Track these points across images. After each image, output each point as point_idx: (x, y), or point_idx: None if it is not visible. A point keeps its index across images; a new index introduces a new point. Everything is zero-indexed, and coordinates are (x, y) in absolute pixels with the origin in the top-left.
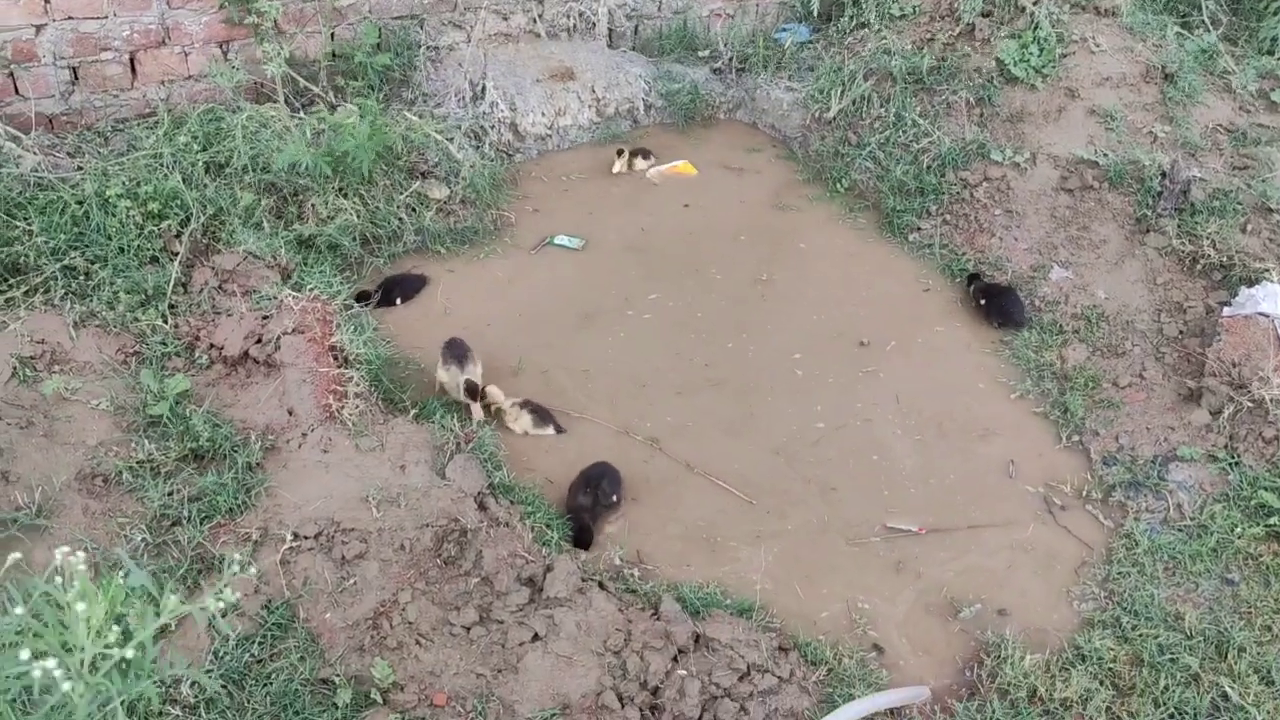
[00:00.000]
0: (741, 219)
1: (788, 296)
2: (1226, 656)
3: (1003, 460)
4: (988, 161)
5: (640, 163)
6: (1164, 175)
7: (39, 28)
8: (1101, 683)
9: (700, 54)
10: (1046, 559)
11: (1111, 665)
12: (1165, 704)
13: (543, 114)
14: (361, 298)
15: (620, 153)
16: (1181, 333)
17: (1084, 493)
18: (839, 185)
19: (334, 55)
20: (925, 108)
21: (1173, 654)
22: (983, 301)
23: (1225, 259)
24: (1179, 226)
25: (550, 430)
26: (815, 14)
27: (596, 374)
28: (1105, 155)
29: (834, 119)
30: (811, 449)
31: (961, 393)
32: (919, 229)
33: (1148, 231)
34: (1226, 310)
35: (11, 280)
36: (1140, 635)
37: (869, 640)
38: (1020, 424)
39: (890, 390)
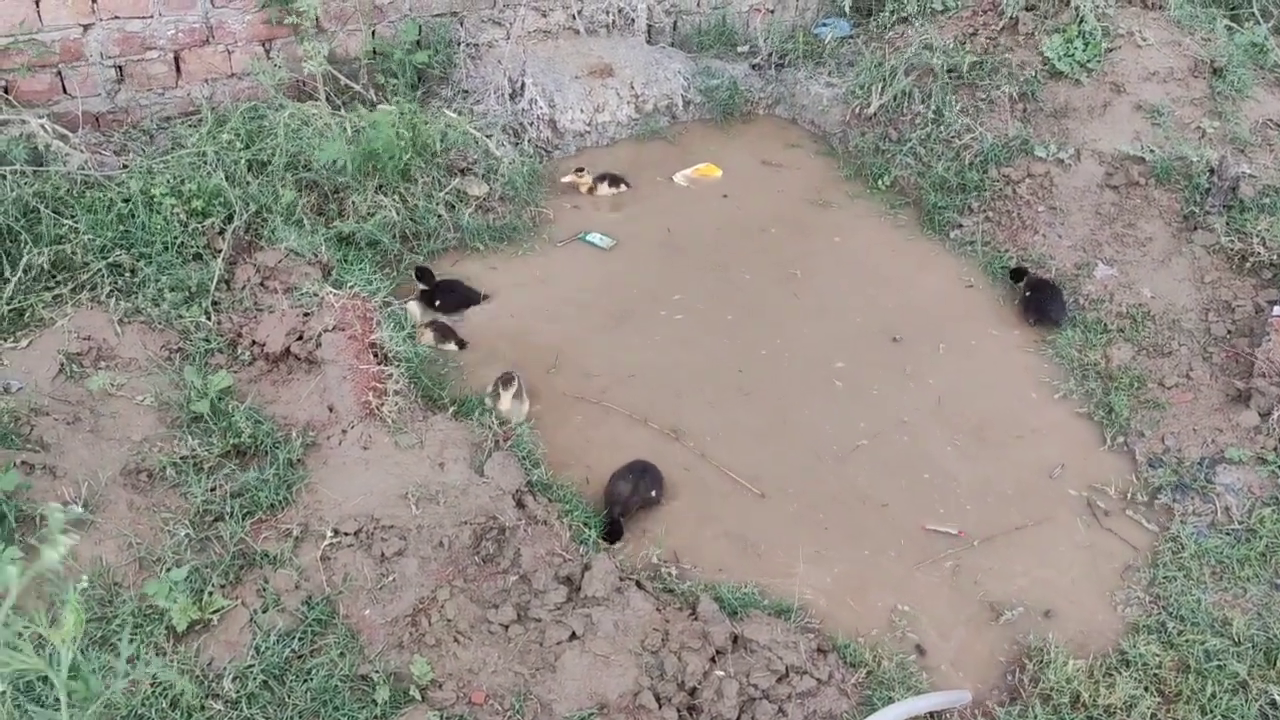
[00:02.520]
0: (779, 216)
1: (826, 296)
2: (1276, 663)
3: (1045, 462)
4: (1031, 157)
5: (605, 188)
6: (1212, 171)
7: (86, 27)
8: (1147, 689)
9: (739, 50)
10: (1090, 563)
11: (1157, 671)
12: (1212, 711)
13: (581, 110)
14: (422, 275)
15: (580, 171)
16: (1230, 332)
17: (1129, 495)
18: (879, 182)
19: (374, 53)
20: (967, 103)
21: (1220, 660)
22: (1029, 294)
23: (1275, 257)
24: (1227, 224)
25: (452, 346)
26: (855, 9)
27: (629, 375)
28: (1152, 151)
29: (874, 115)
30: (850, 452)
31: (1004, 393)
32: (961, 226)
33: (1195, 229)
34: (1276, 309)
35: (59, 277)
36: (1186, 641)
37: (909, 643)
38: (1064, 425)
39: (931, 392)
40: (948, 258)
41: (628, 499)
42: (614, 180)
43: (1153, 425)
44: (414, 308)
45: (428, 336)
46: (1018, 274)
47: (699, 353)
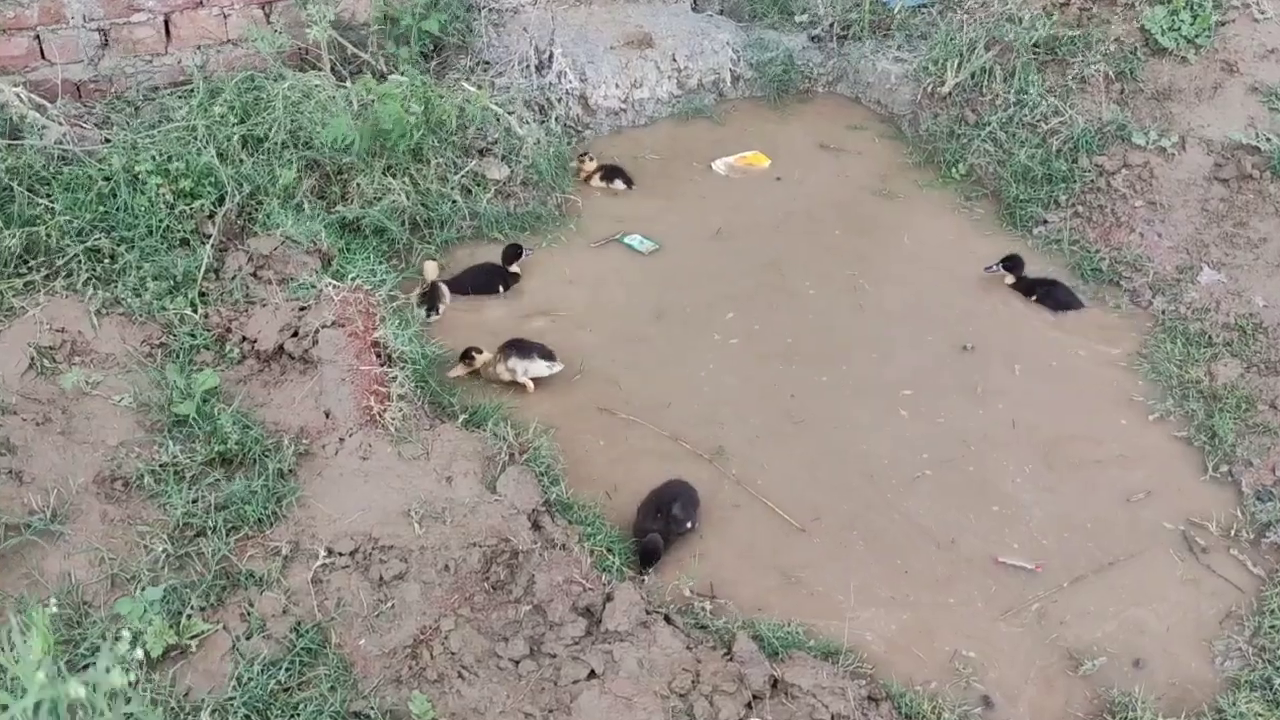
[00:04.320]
0: (840, 208)
1: (892, 308)
2: None
3: (1136, 492)
4: (1128, 145)
5: (598, 181)
6: None
7: None
8: None
9: (797, 19)
10: (1186, 607)
11: None
12: None
13: (616, 85)
14: (510, 255)
15: (585, 157)
16: None
17: (1232, 532)
18: (953, 170)
19: (385, 18)
20: (1055, 83)
21: None
22: (1032, 298)
23: None
24: None
25: (620, 185)
26: None
27: (664, 391)
28: (1268, 140)
29: (949, 94)
30: (911, 481)
31: (1089, 414)
32: (1046, 222)
33: None
34: None
35: (31, 262)
36: None
37: (975, 693)
38: (1159, 451)
39: (1004, 413)
40: (1030, 258)
41: (663, 536)
42: (613, 175)
43: (1262, 453)
44: (430, 266)
45: (595, 179)
46: (1011, 262)
47: (746, 371)
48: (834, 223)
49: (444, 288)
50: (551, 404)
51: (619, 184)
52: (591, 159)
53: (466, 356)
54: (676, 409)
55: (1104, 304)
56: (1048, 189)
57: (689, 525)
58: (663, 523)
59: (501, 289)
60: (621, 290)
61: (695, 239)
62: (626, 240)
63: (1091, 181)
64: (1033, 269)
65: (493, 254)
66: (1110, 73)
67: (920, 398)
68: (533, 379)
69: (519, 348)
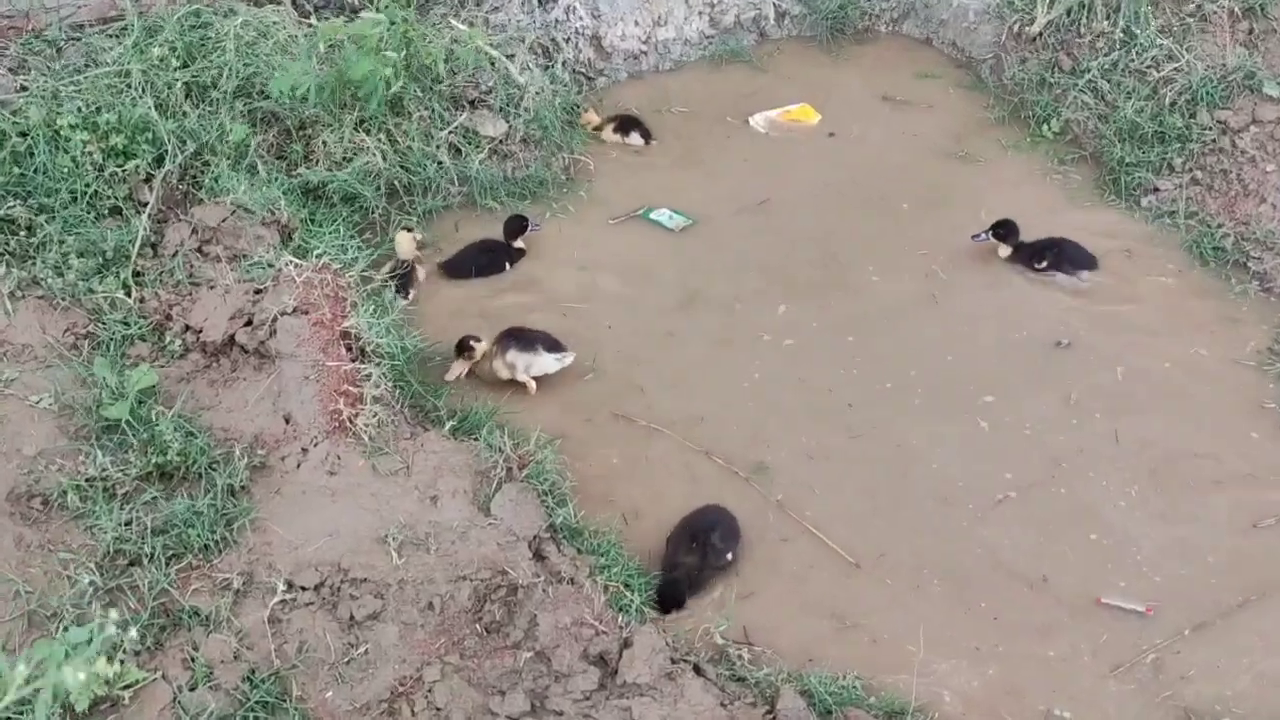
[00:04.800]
0: (907, 175)
1: (968, 293)
2: None
3: (1266, 517)
4: (1258, 97)
5: (611, 134)
6: None
7: None
8: None
9: None
10: None
11: None
12: None
13: (636, 24)
14: (514, 229)
15: (588, 111)
16: None
17: None
18: (1044, 128)
19: None
20: (1169, 20)
21: None
22: (1041, 265)
23: None
24: None
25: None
26: None
27: (695, 401)
28: None
29: (1040, 35)
30: (992, 507)
31: (1210, 424)
32: (1157, 190)
33: None
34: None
35: None
36: None
37: None
38: None
39: (1107, 421)
40: (1138, 233)
41: (699, 570)
42: (628, 127)
43: None
44: (405, 239)
45: (608, 131)
46: (1004, 229)
47: (794, 372)
48: (899, 193)
49: (419, 266)
50: (557, 408)
51: (635, 138)
52: (590, 109)
53: (464, 349)
54: (709, 417)
55: (1228, 289)
56: (1159, 150)
57: (729, 557)
58: (699, 554)
59: (508, 265)
60: (645, 274)
61: (731, 213)
62: (653, 215)
63: (1213, 141)
64: (1144, 252)
65: (486, 228)
66: (1236, 8)
67: (1003, 405)
68: (535, 377)
69: (519, 338)
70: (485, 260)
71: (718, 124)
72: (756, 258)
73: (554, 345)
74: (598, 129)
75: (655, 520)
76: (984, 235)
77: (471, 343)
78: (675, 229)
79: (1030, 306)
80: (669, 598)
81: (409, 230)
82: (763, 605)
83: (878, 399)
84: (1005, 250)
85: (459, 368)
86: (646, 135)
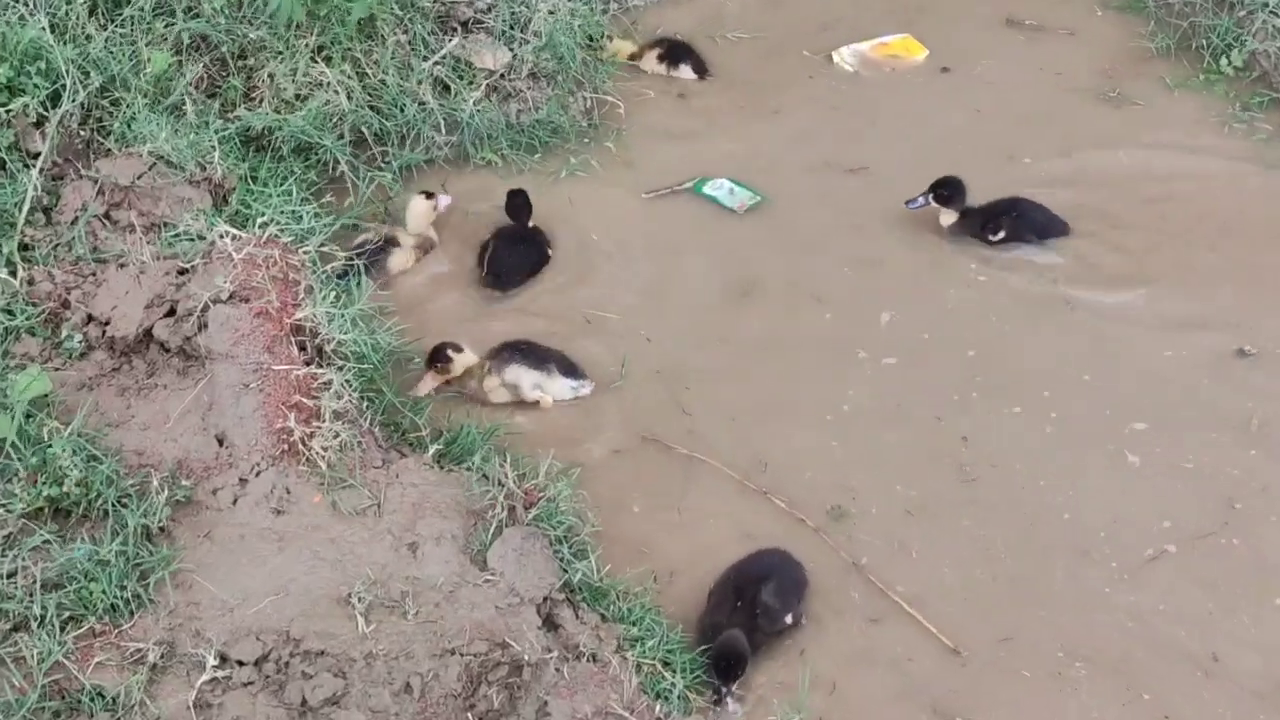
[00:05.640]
0: (1042, 124)
1: (1119, 287)
2: None
3: None
4: None
5: (655, 64)
6: None
7: None
8: None
9: None
10: None
11: None
12: None
13: None
14: (521, 205)
15: (612, 39)
16: None
17: None
18: (1224, 61)
19: None
20: None
21: None
22: (997, 237)
23: None
24: None
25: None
26: None
27: (753, 429)
28: None
29: None
30: (1142, 565)
31: None
32: None
33: None
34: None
35: None
36: None
37: None
38: None
39: None
40: None
41: (749, 634)
42: (677, 56)
43: None
44: (420, 209)
45: (651, 60)
46: (946, 191)
47: (887, 396)
48: (1029, 150)
49: (405, 244)
50: (572, 427)
51: (685, 70)
52: (612, 38)
53: (437, 358)
54: (771, 449)
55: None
56: None
57: (788, 620)
58: (745, 615)
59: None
60: (690, 262)
61: (811, 180)
62: (708, 189)
63: None
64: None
65: (485, 195)
66: None
67: (1159, 434)
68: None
69: (525, 353)
70: (535, 255)
71: (790, 58)
72: (843, 249)
73: (571, 369)
74: (634, 57)
75: (692, 581)
76: (921, 200)
77: (449, 352)
78: (738, 209)
79: (1200, 300)
80: (732, 658)
81: (428, 196)
82: (844, 691)
83: (998, 430)
84: (949, 217)
85: (429, 383)
86: (701, 68)
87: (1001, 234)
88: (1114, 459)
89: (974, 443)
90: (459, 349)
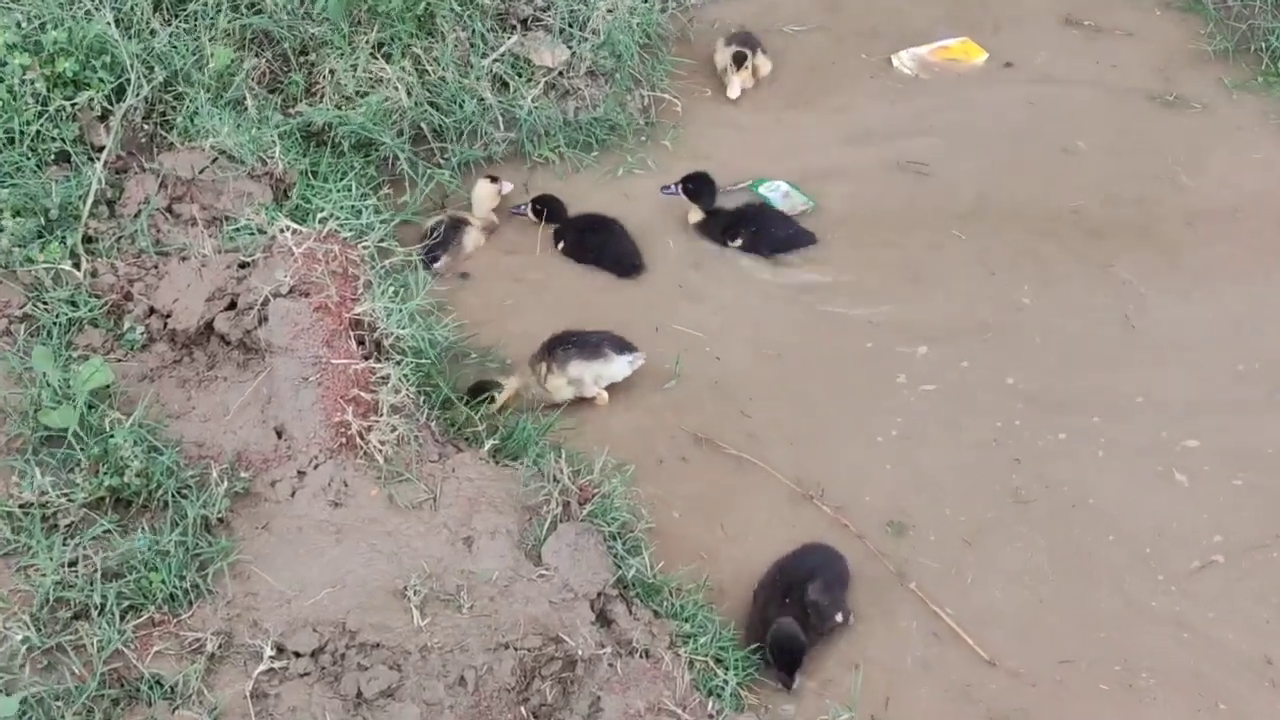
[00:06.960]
0: (1099, 126)
1: (1176, 302)
2: None
3: None
4: None
5: (730, 69)
6: None
7: None
8: None
9: None
10: None
11: None
12: None
13: None
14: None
15: (727, 43)
16: None
17: None
18: None
19: None
20: None
21: None
22: (734, 243)
23: None
24: None
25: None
26: None
27: (808, 437)
28: None
29: None
30: (1188, 575)
31: None
32: None
33: None
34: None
35: None
36: None
37: None
38: None
39: None
40: None
41: (801, 629)
42: (741, 49)
43: None
44: (485, 192)
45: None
46: (694, 185)
47: (941, 418)
48: (1087, 153)
49: (473, 227)
50: (627, 424)
51: (749, 63)
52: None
53: (479, 393)
54: (823, 459)
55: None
56: None
57: (838, 618)
58: (794, 613)
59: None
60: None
61: (869, 184)
62: (764, 190)
63: None
64: None
65: (538, 186)
66: None
67: (1209, 451)
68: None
69: (578, 344)
70: (631, 249)
71: (849, 58)
72: (899, 260)
73: (622, 345)
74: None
75: (748, 571)
76: (673, 188)
77: (494, 393)
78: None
79: (1259, 315)
80: (792, 650)
81: (493, 180)
82: (894, 678)
83: (1051, 452)
84: (695, 215)
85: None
86: (759, 48)
87: (739, 241)
88: (1165, 481)
89: (1026, 464)
90: (499, 384)
